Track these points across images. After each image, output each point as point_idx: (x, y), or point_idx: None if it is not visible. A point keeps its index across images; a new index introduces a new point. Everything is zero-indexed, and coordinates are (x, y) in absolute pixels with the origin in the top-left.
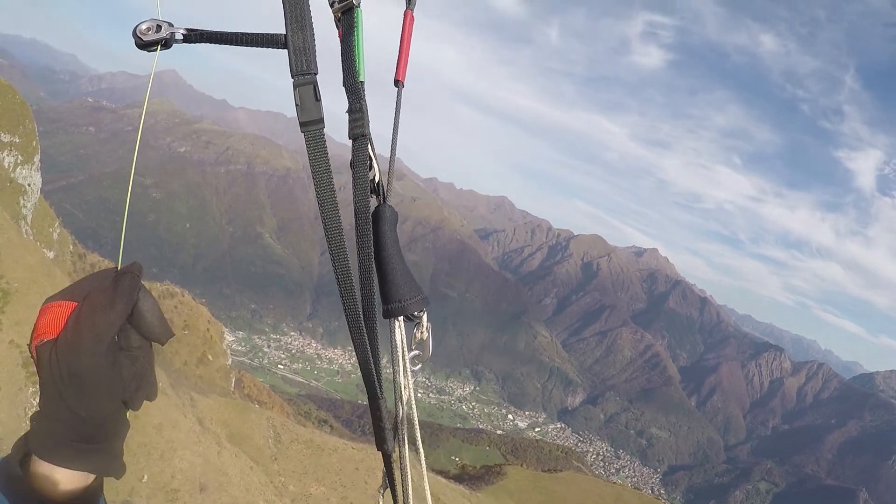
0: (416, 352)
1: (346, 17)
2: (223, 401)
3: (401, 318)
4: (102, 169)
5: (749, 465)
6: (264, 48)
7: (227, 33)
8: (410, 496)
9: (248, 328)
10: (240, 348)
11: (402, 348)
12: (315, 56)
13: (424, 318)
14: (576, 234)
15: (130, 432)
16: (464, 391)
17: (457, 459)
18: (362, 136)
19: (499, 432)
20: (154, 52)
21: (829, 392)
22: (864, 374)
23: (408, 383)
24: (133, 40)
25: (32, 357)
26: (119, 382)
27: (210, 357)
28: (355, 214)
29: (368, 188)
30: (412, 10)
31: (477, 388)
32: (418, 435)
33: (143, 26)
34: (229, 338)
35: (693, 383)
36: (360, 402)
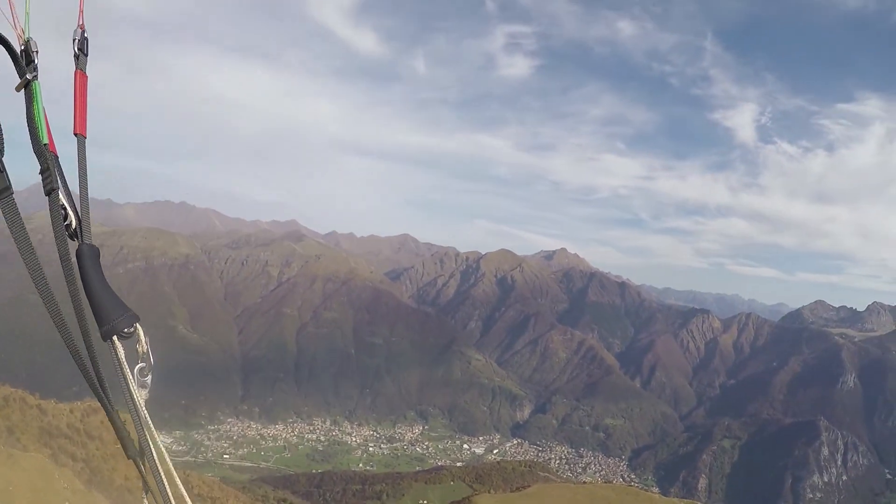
0: (142, 364)
1: (27, 91)
2: None
3: (114, 337)
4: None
5: (708, 427)
6: None
7: None
8: (169, 493)
9: (183, 426)
10: (180, 448)
11: (123, 363)
12: (0, 137)
13: (140, 331)
14: (484, 253)
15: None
16: (414, 433)
17: (424, 502)
18: (53, 191)
19: (459, 464)
20: None
21: (763, 338)
22: (792, 313)
23: (136, 394)
24: None
25: None
26: None
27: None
28: (60, 258)
29: (65, 235)
30: (82, 69)
31: (426, 427)
32: (157, 437)
33: None
34: (167, 439)
35: (633, 366)
36: (314, 471)
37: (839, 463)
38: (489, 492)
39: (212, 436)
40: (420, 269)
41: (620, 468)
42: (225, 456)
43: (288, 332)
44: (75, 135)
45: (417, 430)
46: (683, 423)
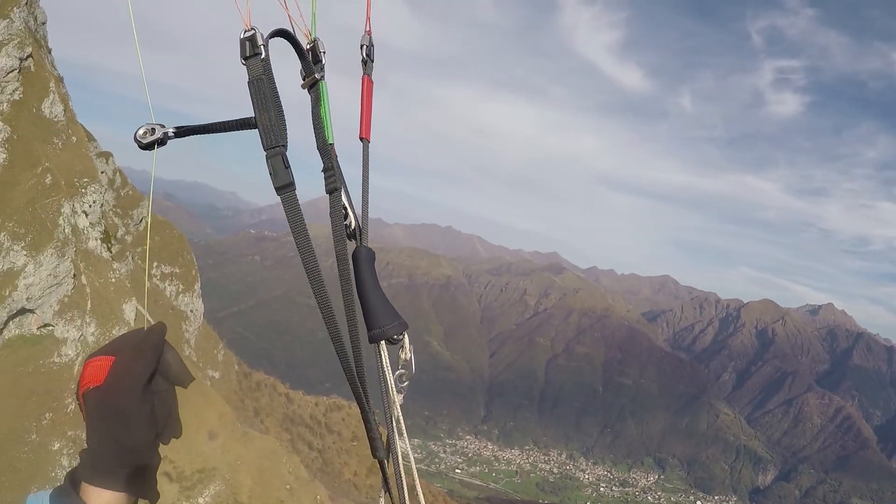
0: (402, 371)
1: (314, 91)
2: None
3: (383, 342)
4: (270, 293)
5: None
6: (239, 131)
7: (208, 124)
8: (406, 497)
9: (423, 435)
10: (416, 455)
11: (387, 368)
12: (282, 130)
13: (406, 340)
14: (745, 301)
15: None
16: (648, 481)
17: None
18: (336, 190)
19: None
20: (153, 152)
21: None
22: None
23: (394, 398)
24: (136, 144)
25: (80, 404)
26: (153, 418)
27: None
28: (336, 257)
29: (344, 234)
30: (369, 75)
31: (661, 477)
32: (407, 444)
33: (140, 131)
34: (405, 446)
35: (892, 443)
36: (541, 501)
37: None
38: None
39: (448, 449)
40: (678, 313)
41: None
42: (457, 470)
43: (538, 361)
44: (361, 139)
45: (653, 477)
46: None
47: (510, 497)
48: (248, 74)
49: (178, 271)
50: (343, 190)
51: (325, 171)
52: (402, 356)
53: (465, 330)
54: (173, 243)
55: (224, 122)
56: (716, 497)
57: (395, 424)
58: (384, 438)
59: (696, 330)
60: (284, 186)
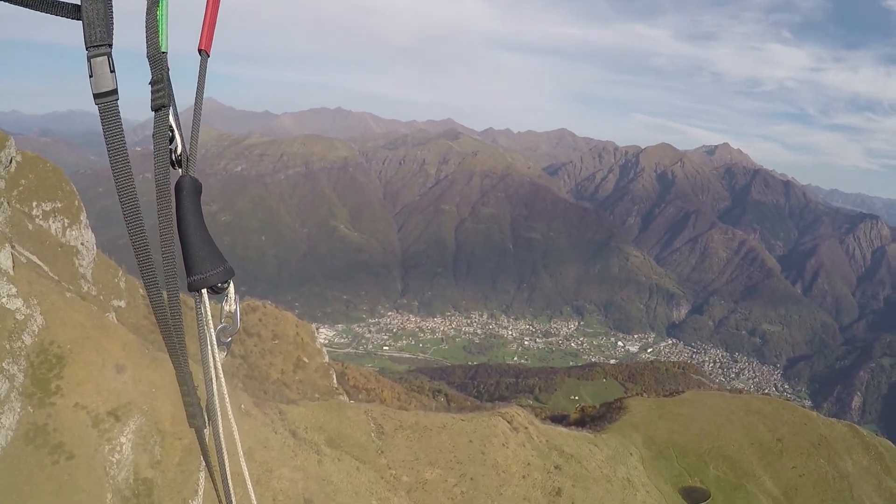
0: (224, 325)
1: None
2: (316, 405)
3: (204, 290)
4: None
5: (868, 342)
6: (59, 16)
7: None
8: (228, 471)
9: (345, 319)
10: (342, 341)
11: (209, 319)
12: (111, 27)
13: (231, 289)
14: (643, 147)
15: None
16: (569, 329)
17: (576, 398)
18: (164, 106)
19: (612, 362)
20: None
21: None
22: None
23: (215, 356)
24: None
25: None
26: None
27: (305, 359)
28: (156, 186)
29: (168, 160)
30: None
31: (581, 323)
32: (230, 409)
33: None
34: (329, 332)
35: (794, 270)
36: (470, 363)
37: None
38: (641, 394)
39: (372, 329)
40: (578, 164)
41: (774, 377)
42: (385, 348)
43: (446, 229)
44: (199, 51)
45: (573, 325)
46: (843, 336)
47: (440, 364)
48: None
49: (59, 206)
50: (172, 108)
51: (153, 83)
52: (227, 308)
53: (369, 209)
54: (49, 178)
55: (42, 0)
56: (635, 335)
57: (215, 386)
58: (203, 404)
59: (598, 179)
60: (106, 94)
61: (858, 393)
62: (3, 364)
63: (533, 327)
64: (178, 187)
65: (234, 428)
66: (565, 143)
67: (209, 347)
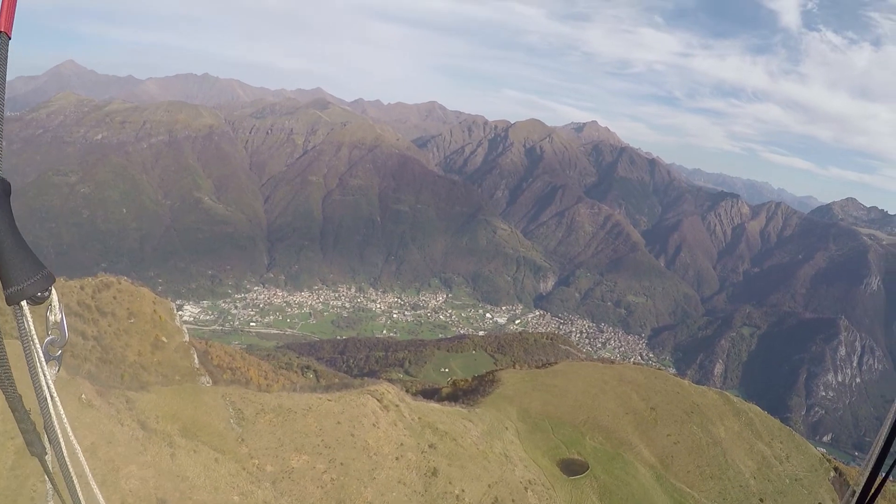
0: (52, 336)
1: None
2: (168, 391)
3: (24, 302)
4: (24, 180)
5: (728, 312)
6: None
7: None
8: (80, 492)
9: (210, 295)
10: (207, 317)
11: (32, 333)
12: None
13: (54, 297)
14: (513, 122)
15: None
16: (437, 301)
17: (446, 371)
18: None
19: (481, 333)
20: None
21: (791, 229)
22: (822, 207)
23: (45, 373)
24: None
25: None
26: None
27: (164, 339)
28: None
29: None
30: None
31: (450, 295)
32: (69, 428)
33: None
34: (195, 310)
35: (658, 245)
36: (339, 337)
37: (854, 364)
38: (514, 366)
39: (238, 304)
40: (447, 137)
41: (639, 346)
42: (252, 324)
43: (314, 200)
44: None
45: (441, 297)
46: (704, 307)
47: (309, 339)
48: None
49: None
50: None
51: None
52: (51, 318)
53: (235, 179)
54: None
55: None
56: (503, 307)
57: (51, 406)
58: (40, 427)
59: (467, 152)
60: None
61: (720, 360)
62: None
63: (401, 300)
64: None
65: (79, 448)
66: (435, 116)
67: (38, 364)
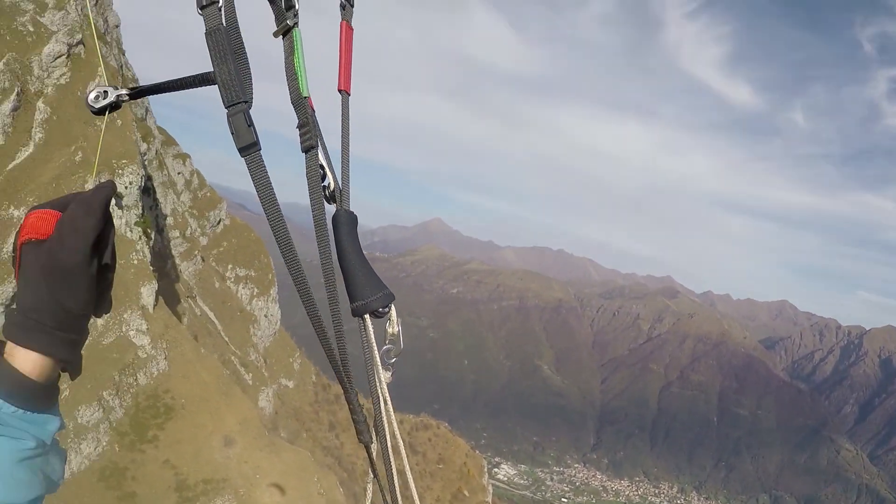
0: (389, 346)
1: (286, 39)
2: None
3: (367, 315)
4: None
5: None
6: (199, 87)
7: (164, 82)
8: (396, 481)
9: (530, 461)
10: (522, 482)
11: (372, 343)
12: (245, 85)
13: (393, 312)
14: (867, 328)
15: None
16: None
17: None
18: (312, 147)
19: None
20: (104, 116)
21: None
22: None
23: (380, 377)
24: (88, 109)
25: (16, 255)
26: (95, 283)
27: (466, 493)
28: (314, 222)
29: (322, 197)
30: (348, 21)
31: None
32: (395, 426)
33: (92, 95)
34: (511, 471)
35: None
36: None
37: None
38: None
39: (555, 477)
40: (797, 340)
41: None
42: (563, 499)
43: (651, 389)
44: (339, 91)
45: None
46: None
47: None
48: (205, 25)
49: (253, 274)
50: (320, 147)
51: (300, 127)
52: (390, 330)
53: (576, 354)
54: (250, 247)
55: (181, 80)
56: None
57: (382, 405)
58: (369, 421)
59: (816, 358)
60: (248, 147)
61: None
62: (104, 392)
63: None
64: (335, 221)
65: (401, 442)
66: (785, 316)
67: (375, 368)
